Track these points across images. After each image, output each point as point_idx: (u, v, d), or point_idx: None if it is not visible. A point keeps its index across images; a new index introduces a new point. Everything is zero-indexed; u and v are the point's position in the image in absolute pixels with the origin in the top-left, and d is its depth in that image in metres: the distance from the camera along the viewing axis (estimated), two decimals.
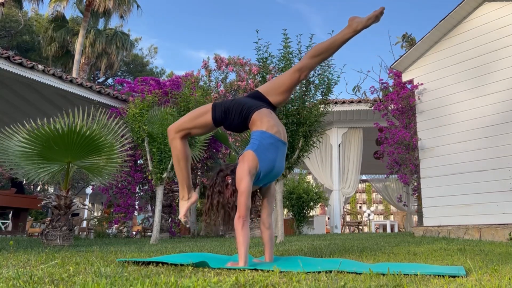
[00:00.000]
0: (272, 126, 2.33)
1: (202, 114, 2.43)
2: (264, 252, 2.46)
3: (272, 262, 2.27)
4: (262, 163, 2.22)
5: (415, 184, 6.97)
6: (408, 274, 1.80)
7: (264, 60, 5.49)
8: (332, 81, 5.54)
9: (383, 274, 1.78)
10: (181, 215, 2.45)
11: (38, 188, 12.57)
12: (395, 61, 6.60)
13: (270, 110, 2.44)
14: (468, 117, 5.62)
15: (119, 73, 25.65)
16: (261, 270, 1.93)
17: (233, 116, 2.39)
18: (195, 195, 2.48)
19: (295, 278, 1.63)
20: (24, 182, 9.94)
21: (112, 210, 9.43)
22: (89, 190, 12.70)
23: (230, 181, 2.29)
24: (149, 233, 9.80)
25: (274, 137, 2.30)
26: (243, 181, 2.14)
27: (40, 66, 7.34)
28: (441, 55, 6.13)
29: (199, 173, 8.93)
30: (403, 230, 12.70)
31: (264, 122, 2.33)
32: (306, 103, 5.51)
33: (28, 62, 7.18)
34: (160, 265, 2.08)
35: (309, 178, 12.13)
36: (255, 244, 4.14)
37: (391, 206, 25.65)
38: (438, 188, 5.76)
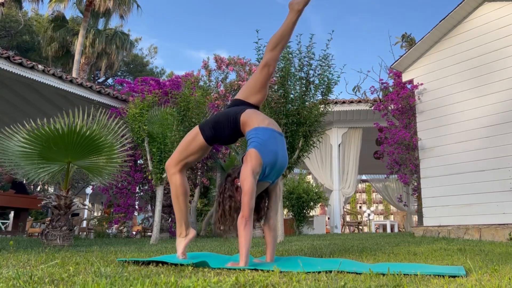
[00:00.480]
0: (263, 120, 2.36)
1: (192, 140, 2.43)
2: (266, 252, 2.46)
3: (272, 262, 2.27)
4: (265, 157, 2.23)
5: (415, 184, 6.97)
6: (408, 274, 1.80)
7: None
8: (332, 81, 5.54)
9: (383, 274, 1.79)
10: (179, 253, 2.36)
11: (38, 188, 12.57)
12: (395, 61, 6.61)
13: (254, 109, 2.49)
14: (468, 117, 5.62)
15: (119, 73, 25.66)
16: (261, 270, 1.93)
17: (223, 128, 2.41)
18: (192, 232, 2.44)
19: (295, 278, 1.63)
20: (24, 182, 9.94)
21: (112, 210, 9.43)
22: (89, 190, 12.70)
23: (239, 183, 2.29)
24: (149, 233, 9.80)
25: (268, 129, 2.32)
26: (246, 181, 2.15)
27: (40, 66, 7.34)
28: (441, 55, 6.13)
29: (199, 173, 8.93)
30: (403, 230, 12.70)
31: (253, 119, 2.36)
32: (306, 103, 5.51)
33: (28, 62, 7.18)
34: (160, 265, 2.08)
35: (309, 178, 12.12)
36: (256, 244, 4.14)
37: (391, 206, 25.65)
38: (438, 188, 5.76)
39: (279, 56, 2.66)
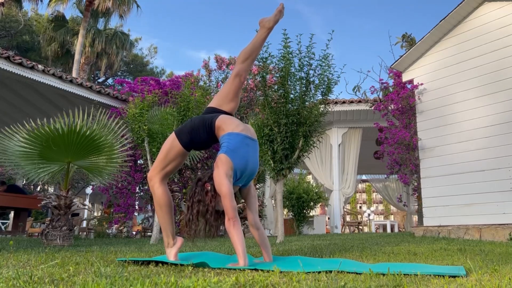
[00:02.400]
0: (237, 126, 2.40)
1: (170, 148, 2.45)
2: (262, 253, 2.46)
3: (272, 262, 2.27)
4: (235, 161, 2.26)
5: (415, 184, 6.97)
6: (408, 274, 1.80)
7: (264, 60, 5.49)
8: (332, 81, 5.53)
9: (383, 274, 1.78)
10: (172, 259, 2.35)
11: (38, 188, 12.56)
12: (395, 61, 6.61)
13: (229, 116, 2.54)
14: (468, 117, 5.62)
15: (119, 73, 25.65)
16: (261, 270, 1.93)
17: (199, 133, 2.44)
18: (180, 239, 2.43)
19: (295, 278, 1.63)
20: (24, 182, 9.91)
21: (112, 210, 9.43)
22: (89, 190, 12.68)
23: (209, 187, 2.31)
24: (149, 233, 9.80)
25: (241, 135, 2.36)
26: (223, 185, 2.18)
27: (40, 66, 7.34)
28: (441, 55, 6.13)
29: (199, 173, 8.93)
30: (403, 230, 12.70)
31: (228, 124, 2.40)
32: (306, 103, 5.51)
33: (28, 62, 7.17)
34: (160, 265, 2.08)
35: (309, 178, 12.12)
36: (255, 244, 4.14)
37: (391, 206, 25.64)
38: (438, 188, 5.76)
39: (249, 68, 2.79)
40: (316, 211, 12.60)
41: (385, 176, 10.37)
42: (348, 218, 15.29)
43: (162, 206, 2.42)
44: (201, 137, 2.44)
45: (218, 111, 2.55)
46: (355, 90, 9.89)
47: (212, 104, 2.62)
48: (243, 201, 2.67)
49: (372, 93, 8.37)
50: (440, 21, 5.99)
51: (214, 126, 2.42)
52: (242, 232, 2.18)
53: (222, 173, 2.20)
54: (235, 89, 2.62)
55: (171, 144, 2.46)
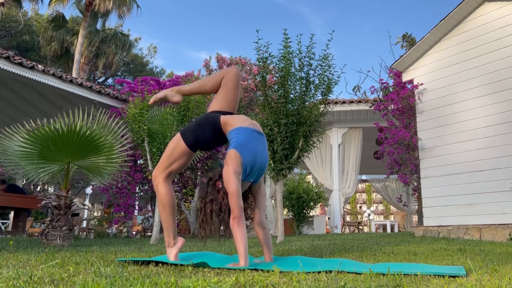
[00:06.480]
0: (244, 120, 2.40)
1: (175, 147, 2.45)
2: (263, 252, 2.46)
3: (272, 262, 2.27)
4: (244, 156, 2.25)
5: (415, 184, 6.97)
6: (408, 274, 1.81)
7: (264, 60, 5.49)
8: (332, 81, 5.54)
9: (383, 274, 1.79)
10: (173, 259, 2.33)
11: (38, 188, 12.57)
12: (395, 61, 6.61)
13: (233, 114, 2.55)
14: (468, 117, 5.62)
15: (119, 73, 25.66)
16: (261, 270, 1.93)
17: (204, 130, 2.42)
18: (181, 239, 2.42)
19: (295, 278, 1.63)
20: (24, 182, 9.91)
21: (112, 210, 9.43)
22: (89, 190, 12.68)
23: (221, 185, 2.30)
24: (149, 233, 9.80)
25: (249, 129, 2.35)
26: (230, 182, 2.17)
27: (40, 66, 7.34)
28: (441, 55, 6.13)
29: (199, 173, 8.93)
30: (403, 230, 12.70)
31: (235, 119, 2.41)
32: (306, 103, 5.51)
33: (28, 62, 7.17)
34: (160, 265, 2.08)
35: (309, 178, 12.12)
36: (256, 244, 4.14)
37: (391, 206, 25.64)
38: (438, 188, 5.76)
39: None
40: (316, 211, 12.60)
41: (385, 176, 10.37)
42: (348, 218, 15.29)
43: (165, 205, 2.41)
44: (206, 135, 2.42)
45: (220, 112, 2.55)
46: (355, 90, 9.92)
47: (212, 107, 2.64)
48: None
49: (372, 93, 8.39)
50: (440, 21, 5.99)
51: (219, 122, 2.41)
52: (246, 233, 2.17)
53: (230, 171, 2.18)
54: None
55: (176, 143, 2.45)
